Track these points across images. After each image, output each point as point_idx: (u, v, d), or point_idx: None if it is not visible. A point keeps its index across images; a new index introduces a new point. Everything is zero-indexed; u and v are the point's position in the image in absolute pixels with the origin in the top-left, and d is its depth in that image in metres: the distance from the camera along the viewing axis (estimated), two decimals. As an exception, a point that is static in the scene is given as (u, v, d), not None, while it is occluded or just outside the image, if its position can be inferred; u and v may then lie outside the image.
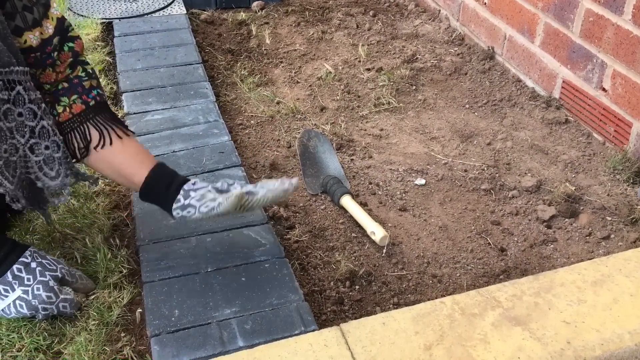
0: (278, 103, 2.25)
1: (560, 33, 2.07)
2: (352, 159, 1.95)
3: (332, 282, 1.47)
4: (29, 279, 1.24)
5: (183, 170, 1.79)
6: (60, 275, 1.28)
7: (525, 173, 1.86)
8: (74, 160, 1.34)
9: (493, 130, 2.08)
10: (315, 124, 2.12)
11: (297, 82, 2.40)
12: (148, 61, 2.37)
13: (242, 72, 2.43)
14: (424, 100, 2.26)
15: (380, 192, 1.79)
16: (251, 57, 2.58)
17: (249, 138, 2.07)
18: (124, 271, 1.41)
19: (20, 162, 1.23)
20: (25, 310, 1.25)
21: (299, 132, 2.06)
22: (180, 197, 1.29)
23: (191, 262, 1.43)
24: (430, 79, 2.40)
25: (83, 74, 1.36)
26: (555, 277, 1.33)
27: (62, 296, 1.27)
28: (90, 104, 1.33)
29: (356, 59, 2.53)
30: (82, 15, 2.68)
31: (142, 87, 2.22)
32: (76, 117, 1.32)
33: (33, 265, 1.26)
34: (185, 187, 1.30)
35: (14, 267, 1.24)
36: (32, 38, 1.25)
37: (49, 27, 1.28)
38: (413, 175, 1.86)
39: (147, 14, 2.75)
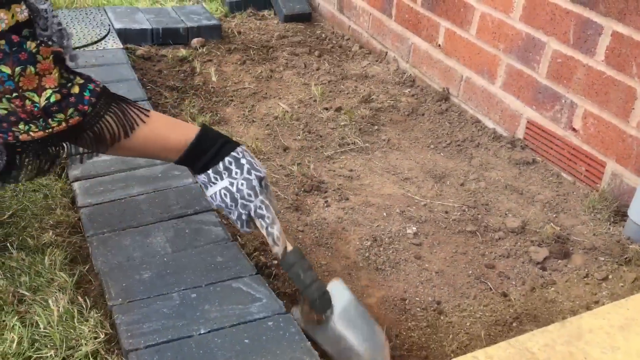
0: (236, 143, 2.09)
1: (525, 74, 2.08)
2: (326, 201, 1.83)
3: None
4: (236, 173, 1.26)
5: (147, 217, 1.59)
6: (263, 176, 1.29)
7: (506, 214, 1.81)
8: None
9: (463, 170, 2.04)
10: (281, 165, 1.98)
11: (253, 121, 2.26)
12: (88, 97, 2.14)
13: (192, 110, 2.26)
14: (388, 140, 2.19)
15: (367, 241, 1.67)
16: (199, 95, 2.41)
17: (210, 181, 1.89)
18: (101, 336, 1.18)
19: None
20: (228, 200, 1.26)
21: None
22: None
23: (179, 323, 1.22)
24: (389, 119, 2.34)
25: (66, 77, 1.17)
26: (582, 323, 1.25)
27: (260, 197, 1.26)
28: (87, 111, 1.18)
29: (311, 98, 2.44)
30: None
31: (85, 125, 1.98)
32: (73, 128, 1.19)
33: (243, 161, 1.27)
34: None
35: (226, 159, 1.27)
36: None
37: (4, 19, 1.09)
38: (396, 218, 1.76)
39: (80, 47, 2.52)
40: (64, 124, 1.16)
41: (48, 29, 1.19)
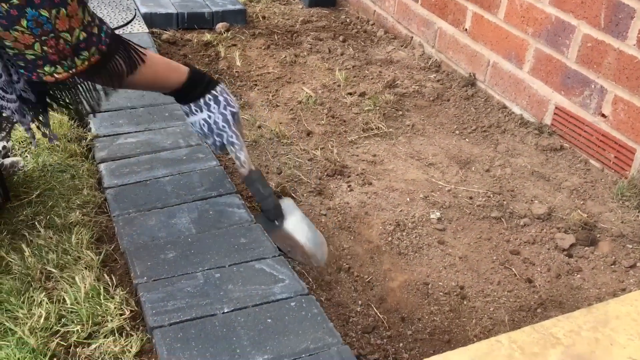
0: (260, 127, 2.09)
1: (553, 59, 2.04)
2: (349, 185, 1.82)
3: (359, 329, 1.32)
4: (214, 108, 1.50)
5: (172, 198, 1.60)
6: (236, 111, 1.52)
7: (532, 200, 1.79)
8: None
9: (489, 156, 2.01)
10: (304, 149, 1.98)
11: (277, 106, 2.26)
12: (114, 80, 2.16)
13: (216, 94, 2.26)
14: (412, 125, 2.18)
15: (390, 225, 1.66)
16: (223, 79, 2.42)
17: (233, 164, 1.90)
18: (126, 313, 1.20)
19: None
20: (205, 130, 1.52)
21: (288, 157, 1.91)
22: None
23: (203, 302, 1.23)
24: (414, 104, 2.32)
25: (89, 18, 1.26)
26: (608, 309, 1.23)
27: (232, 128, 1.51)
28: (105, 51, 1.29)
29: (335, 83, 2.42)
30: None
31: (111, 108, 2.00)
32: (92, 67, 1.28)
33: (220, 99, 1.51)
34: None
35: (207, 95, 1.50)
36: None
37: None
38: (419, 203, 1.75)
39: (106, 31, 2.53)
40: (86, 63, 1.25)
41: None
